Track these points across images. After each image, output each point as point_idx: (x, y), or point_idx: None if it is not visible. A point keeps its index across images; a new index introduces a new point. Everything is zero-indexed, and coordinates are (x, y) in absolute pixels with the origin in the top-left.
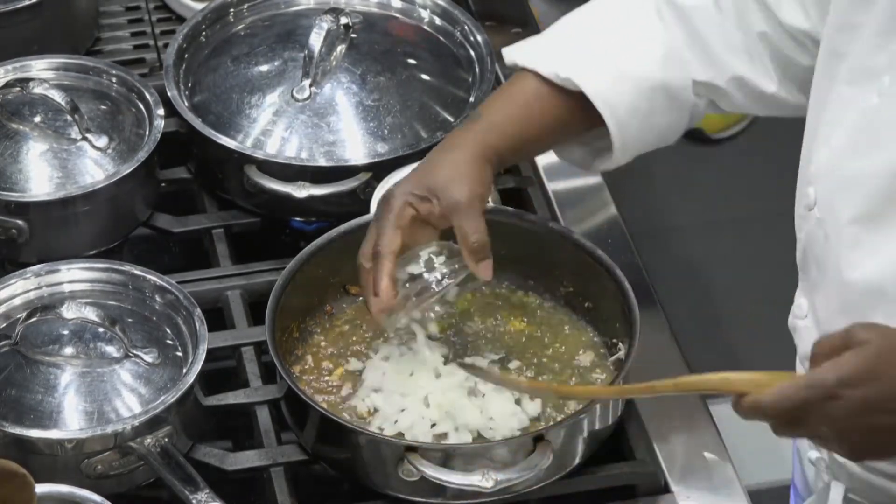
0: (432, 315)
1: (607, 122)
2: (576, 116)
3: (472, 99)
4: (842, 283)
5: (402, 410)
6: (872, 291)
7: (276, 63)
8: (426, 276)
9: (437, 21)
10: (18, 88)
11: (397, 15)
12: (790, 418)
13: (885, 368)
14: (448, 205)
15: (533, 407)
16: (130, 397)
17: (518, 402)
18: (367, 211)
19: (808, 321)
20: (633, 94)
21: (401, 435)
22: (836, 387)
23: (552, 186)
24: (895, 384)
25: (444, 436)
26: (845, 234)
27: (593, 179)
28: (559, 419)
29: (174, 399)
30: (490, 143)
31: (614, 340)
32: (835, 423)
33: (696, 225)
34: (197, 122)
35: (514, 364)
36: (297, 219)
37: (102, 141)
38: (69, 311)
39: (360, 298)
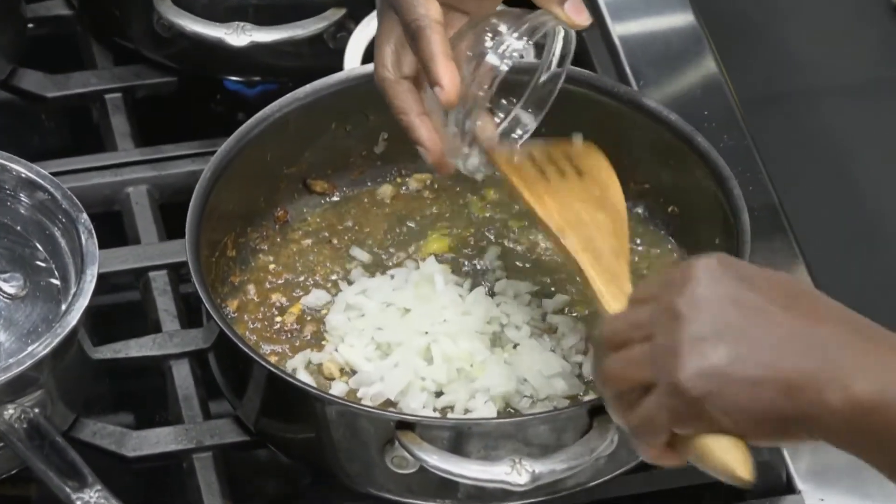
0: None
1: None
2: None
3: None
4: None
5: (393, 367)
6: None
7: None
8: (490, 56)
9: None
10: None
11: None
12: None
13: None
14: None
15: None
16: None
17: (566, 355)
18: (338, 66)
19: None
20: None
21: (390, 404)
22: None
23: (620, 30)
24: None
25: (454, 407)
26: None
27: (682, 19)
28: None
29: (48, 350)
30: None
31: None
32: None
33: (836, 89)
34: None
35: (558, 300)
36: (234, 78)
37: None
38: None
39: (328, 199)
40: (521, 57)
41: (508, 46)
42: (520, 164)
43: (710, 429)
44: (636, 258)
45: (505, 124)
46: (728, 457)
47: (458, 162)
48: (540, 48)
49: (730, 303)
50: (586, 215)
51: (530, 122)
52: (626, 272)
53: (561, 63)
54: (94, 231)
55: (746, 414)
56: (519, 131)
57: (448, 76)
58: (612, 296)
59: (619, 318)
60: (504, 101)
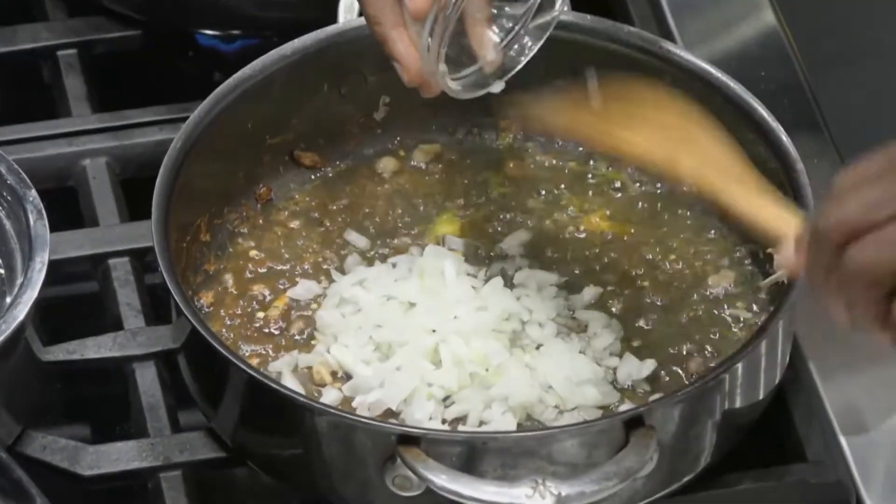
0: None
1: None
2: None
3: None
4: None
5: (395, 371)
6: None
7: None
8: None
9: None
10: None
11: None
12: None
13: None
14: None
15: (628, 368)
16: None
17: (598, 358)
18: (331, 19)
19: None
20: None
21: (391, 415)
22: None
23: None
24: None
25: (466, 418)
26: None
27: None
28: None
29: None
30: None
31: (769, 250)
32: None
33: None
34: None
35: (589, 293)
36: (209, 32)
37: None
38: None
39: (319, 173)
40: None
41: None
42: (571, 116)
43: None
44: (680, 261)
45: (504, 43)
46: None
47: (445, 83)
48: None
49: None
50: (680, 138)
51: (531, 44)
52: (755, 177)
53: None
54: (44, 211)
55: None
56: (518, 55)
57: None
58: (767, 204)
59: (845, 203)
60: (506, 22)
